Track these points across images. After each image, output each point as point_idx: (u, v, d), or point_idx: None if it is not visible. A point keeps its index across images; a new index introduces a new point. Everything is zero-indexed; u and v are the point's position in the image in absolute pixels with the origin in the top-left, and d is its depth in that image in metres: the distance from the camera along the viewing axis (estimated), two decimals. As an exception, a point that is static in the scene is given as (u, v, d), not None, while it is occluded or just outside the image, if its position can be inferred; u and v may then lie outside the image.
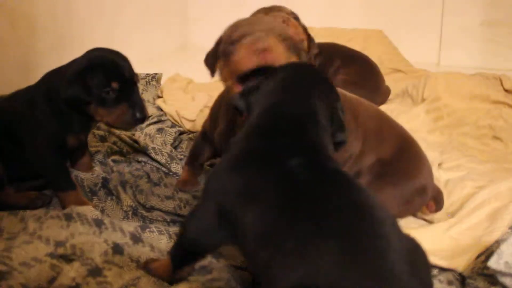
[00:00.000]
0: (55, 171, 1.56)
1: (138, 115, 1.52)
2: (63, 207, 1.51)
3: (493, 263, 1.09)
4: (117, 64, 1.52)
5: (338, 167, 0.99)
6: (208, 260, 1.27)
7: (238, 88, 1.24)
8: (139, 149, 1.93)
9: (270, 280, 0.86)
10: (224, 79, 1.36)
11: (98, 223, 1.37)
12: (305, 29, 1.98)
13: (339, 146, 1.11)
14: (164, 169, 1.84)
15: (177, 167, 1.84)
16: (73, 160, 1.74)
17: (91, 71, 1.49)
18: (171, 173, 1.83)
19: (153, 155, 1.87)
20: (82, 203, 1.49)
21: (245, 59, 1.26)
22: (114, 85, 1.49)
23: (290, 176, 0.93)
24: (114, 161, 1.86)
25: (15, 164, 1.57)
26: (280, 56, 1.27)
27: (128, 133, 2.06)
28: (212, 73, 1.43)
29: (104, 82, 1.49)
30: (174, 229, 1.40)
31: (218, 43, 1.38)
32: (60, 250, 1.24)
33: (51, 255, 1.23)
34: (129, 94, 1.53)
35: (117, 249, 1.26)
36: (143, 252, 1.29)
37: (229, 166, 1.03)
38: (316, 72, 1.21)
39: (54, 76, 1.58)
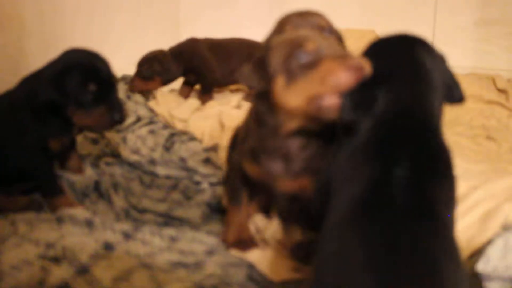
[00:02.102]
0: (41, 176, 1.55)
1: (116, 117, 1.51)
2: (53, 211, 1.50)
3: (481, 267, 1.10)
4: (94, 65, 1.50)
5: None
6: (201, 257, 1.28)
7: (335, 101, 1.02)
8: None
9: None
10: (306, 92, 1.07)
11: (89, 224, 1.37)
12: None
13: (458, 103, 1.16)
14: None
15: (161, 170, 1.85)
16: (63, 162, 1.74)
17: (67, 73, 1.47)
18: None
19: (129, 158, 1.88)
20: (71, 207, 1.49)
21: (343, 75, 1.00)
22: (92, 87, 1.47)
23: (387, 188, 0.90)
24: (106, 163, 1.85)
25: (1, 168, 1.55)
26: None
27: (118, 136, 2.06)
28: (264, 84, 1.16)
29: (81, 84, 1.47)
30: (166, 230, 1.40)
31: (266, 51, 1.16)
32: (51, 252, 1.24)
33: (41, 257, 1.23)
34: (107, 95, 1.51)
35: (108, 246, 1.26)
36: (135, 246, 1.29)
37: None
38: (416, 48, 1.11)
39: (32, 80, 1.56)
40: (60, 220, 1.37)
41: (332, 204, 0.95)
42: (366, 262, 0.81)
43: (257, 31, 3.34)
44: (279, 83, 1.10)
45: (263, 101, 1.18)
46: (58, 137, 1.59)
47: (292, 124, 1.15)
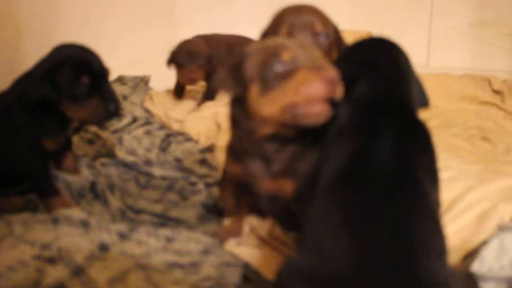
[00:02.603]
0: (37, 177, 1.55)
1: (111, 107, 1.51)
2: (49, 212, 1.50)
3: (476, 268, 1.10)
4: (86, 58, 1.51)
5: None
6: (197, 257, 1.28)
7: (310, 109, 1.04)
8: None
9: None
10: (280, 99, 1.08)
11: (85, 224, 1.37)
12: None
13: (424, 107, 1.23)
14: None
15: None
16: (58, 163, 1.73)
17: (59, 68, 1.48)
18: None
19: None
20: (67, 207, 1.49)
21: (317, 87, 1.03)
22: (85, 79, 1.48)
23: (368, 157, 0.99)
24: (102, 164, 1.85)
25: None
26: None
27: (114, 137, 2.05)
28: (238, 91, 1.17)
29: (74, 77, 1.48)
30: (162, 231, 1.40)
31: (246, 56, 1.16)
32: (46, 253, 1.24)
33: (37, 258, 1.23)
34: (100, 87, 1.52)
35: (104, 247, 1.26)
36: (130, 247, 1.29)
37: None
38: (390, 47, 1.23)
39: (25, 79, 1.56)
40: (55, 221, 1.37)
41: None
42: (342, 221, 0.90)
43: (254, 29, 3.34)
44: (254, 91, 1.10)
45: (238, 106, 1.18)
46: (53, 136, 1.59)
47: (266, 130, 1.15)
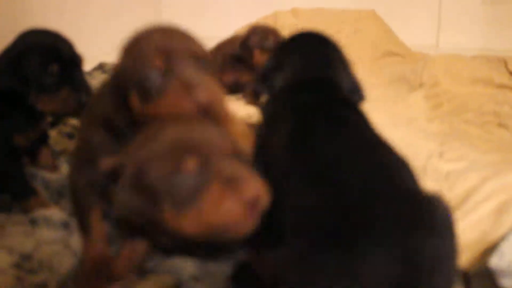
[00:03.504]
0: (9, 177, 1.52)
1: (83, 97, 1.48)
2: (26, 213, 1.48)
3: (494, 263, 1.10)
4: (54, 45, 1.48)
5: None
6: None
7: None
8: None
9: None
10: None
11: (66, 226, 1.36)
12: None
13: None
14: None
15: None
16: (33, 160, 1.72)
17: (24, 57, 1.45)
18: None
19: None
20: (45, 208, 1.47)
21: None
22: (53, 68, 1.46)
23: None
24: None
25: None
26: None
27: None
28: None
29: (41, 66, 1.45)
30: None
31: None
32: (27, 265, 1.23)
33: (16, 266, 1.22)
34: (71, 76, 1.49)
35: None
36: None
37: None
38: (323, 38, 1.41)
39: None
40: (34, 223, 1.36)
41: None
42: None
43: (246, 15, 3.34)
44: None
45: None
46: (22, 132, 1.56)
47: None
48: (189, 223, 0.90)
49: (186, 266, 1.20)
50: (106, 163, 1.02)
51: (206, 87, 1.01)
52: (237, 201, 0.86)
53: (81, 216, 1.24)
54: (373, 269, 0.79)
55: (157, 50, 1.05)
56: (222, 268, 1.21)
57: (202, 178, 0.90)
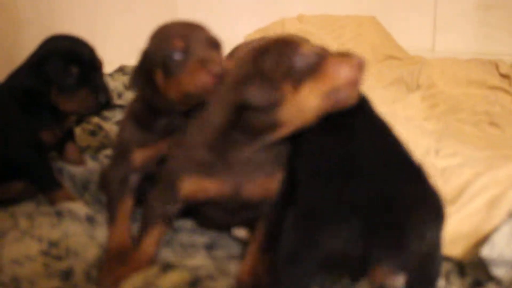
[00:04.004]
0: (37, 171, 1.54)
1: (101, 98, 1.52)
2: (52, 205, 1.50)
3: (486, 252, 1.11)
4: (75, 48, 1.53)
5: None
6: (201, 250, 1.29)
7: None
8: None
9: None
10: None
11: (90, 220, 1.38)
12: None
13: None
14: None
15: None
16: (61, 155, 1.74)
17: (48, 59, 1.50)
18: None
19: None
20: (70, 200, 1.49)
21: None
22: (73, 69, 1.50)
23: None
24: (105, 156, 1.86)
25: None
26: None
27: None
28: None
29: (62, 67, 1.50)
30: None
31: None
32: (54, 251, 1.25)
33: (44, 253, 1.24)
34: (90, 78, 1.53)
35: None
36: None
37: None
38: None
39: (16, 73, 1.58)
40: (59, 215, 1.38)
41: None
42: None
43: (254, 22, 3.35)
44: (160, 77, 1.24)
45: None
46: (49, 128, 1.60)
47: None
48: (309, 94, 1.07)
49: (204, 264, 1.22)
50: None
51: (218, 62, 1.18)
52: (349, 64, 1.08)
53: (110, 208, 1.37)
54: None
55: (178, 34, 1.24)
56: (237, 269, 1.23)
57: (317, 57, 1.08)
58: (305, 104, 1.07)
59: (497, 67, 2.56)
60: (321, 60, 1.08)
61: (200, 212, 1.33)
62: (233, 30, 3.25)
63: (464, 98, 2.41)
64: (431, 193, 0.98)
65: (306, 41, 1.15)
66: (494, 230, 1.17)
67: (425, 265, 0.94)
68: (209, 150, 1.15)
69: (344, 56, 1.09)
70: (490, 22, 3.63)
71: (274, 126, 1.09)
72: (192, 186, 1.18)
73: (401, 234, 0.89)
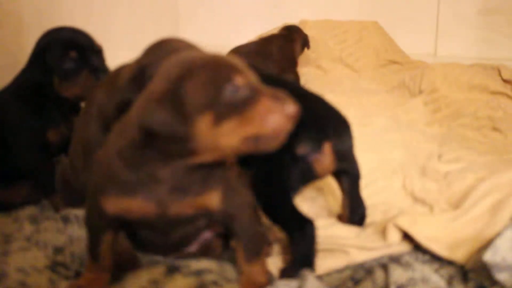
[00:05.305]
0: (41, 174, 1.55)
1: (101, 77, 1.52)
2: (55, 210, 1.50)
3: (488, 257, 1.11)
4: (72, 36, 1.55)
5: None
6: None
7: None
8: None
9: None
10: None
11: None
12: None
13: None
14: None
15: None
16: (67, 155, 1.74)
17: (47, 48, 1.53)
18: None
19: None
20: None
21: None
22: (72, 54, 1.52)
23: None
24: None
25: (3, 166, 1.56)
26: None
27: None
28: None
29: (62, 53, 1.51)
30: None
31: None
32: (60, 258, 1.25)
33: (51, 268, 1.22)
34: (89, 61, 1.54)
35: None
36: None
37: None
38: None
39: (20, 73, 1.61)
40: (65, 220, 1.37)
41: None
42: None
43: (256, 27, 3.36)
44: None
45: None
46: (56, 126, 1.59)
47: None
48: (229, 133, 0.93)
49: (209, 268, 1.21)
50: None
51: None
52: (282, 113, 0.94)
53: (92, 242, 1.15)
54: None
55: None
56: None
57: (251, 92, 0.94)
58: (221, 142, 0.94)
59: (499, 72, 2.57)
60: (252, 97, 0.94)
61: (135, 234, 1.18)
62: (236, 35, 3.26)
63: (467, 103, 2.41)
64: (339, 111, 1.39)
65: (245, 68, 0.98)
66: (497, 234, 1.16)
67: (349, 159, 1.38)
68: (125, 165, 1.01)
69: (279, 99, 0.94)
70: (492, 27, 3.63)
71: (187, 153, 0.97)
72: (114, 205, 1.05)
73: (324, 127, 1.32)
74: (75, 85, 1.53)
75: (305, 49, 3.12)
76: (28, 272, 1.18)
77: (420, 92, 2.55)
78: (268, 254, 1.29)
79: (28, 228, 1.37)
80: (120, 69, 1.31)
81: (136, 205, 1.03)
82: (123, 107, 1.13)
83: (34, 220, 1.41)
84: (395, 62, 3.31)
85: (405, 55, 3.42)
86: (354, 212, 1.42)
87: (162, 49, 1.19)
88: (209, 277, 1.16)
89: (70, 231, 1.33)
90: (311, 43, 3.11)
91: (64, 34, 1.55)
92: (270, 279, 1.15)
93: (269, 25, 3.47)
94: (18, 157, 1.54)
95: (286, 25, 3.14)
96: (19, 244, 1.29)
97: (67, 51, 1.51)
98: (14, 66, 2.23)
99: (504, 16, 3.60)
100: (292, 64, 2.97)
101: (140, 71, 1.18)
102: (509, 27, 3.59)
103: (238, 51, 2.91)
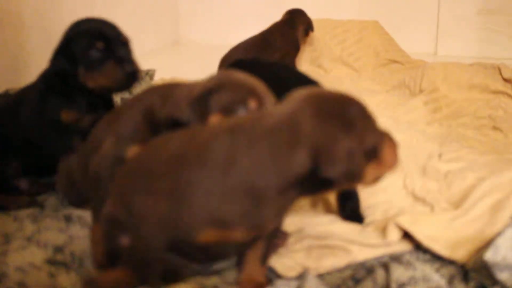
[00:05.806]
0: (57, 153, 1.52)
1: (128, 68, 1.51)
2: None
3: (489, 256, 1.11)
4: (98, 26, 1.55)
5: None
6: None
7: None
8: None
9: None
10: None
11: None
12: None
13: None
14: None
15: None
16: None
17: (73, 39, 1.52)
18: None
19: None
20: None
21: None
22: (98, 44, 1.51)
23: None
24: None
25: (30, 159, 1.59)
26: None
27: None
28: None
29: (88, 44, 1.51)
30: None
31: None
32: (59, 257, 1.24)
33: (49, 262, 1.22)
34: (116, 51, 1.53)
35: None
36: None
37: None
38: None
39: (48, 64, 1.60)
40: (68, 220, 1.37)
41: None
42: None
43: (256, 27, 3.35)
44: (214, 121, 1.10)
45: None
46: (72, 108, 1.58)
47: None
48: (371, 174, 1.00)
49: (211, 276, 1.21)
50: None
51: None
52: (396, 151, 1.03)
53: (96, 204, 1.23)
54: None
55: (251, 94, 1.11)
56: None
57: (380, 137, 1.01)
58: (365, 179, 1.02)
59: (500, 71, 2.56)
60: (382, 142, 1.03)
61: None
62: (236, 35, 3.26)
63: (467, 102, 2.41)
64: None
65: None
66: (498, 234, 1.16)
67: None
68: None
69: (392, 139, 1.04)
70: (492, 27, 3.64)
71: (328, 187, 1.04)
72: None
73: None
74: (101, 76, 1.52)
75: (309, 38, 3.16)
76: (26, 270, 1.19)
77: (421, 91, 2.55)
78: (284, 246, 1.29)
79: (28, 227, 1.36)
80: (176, 85, 1.25)
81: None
82: (176, 123, 1.15)
83: (34, 219, 1.40)
84: (395, 62, 3.31)
85: (406, 54, 3.42)
86: (344, 205, 1.43)
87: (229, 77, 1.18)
88: (209, 282, 1.16)
89: (71, 231, 1.33)
90: (311, 43, 3.12)
91: (92, 25, 1.55)
92: (270, 279, 1.16)
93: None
94: (40, 143, 1.57)
95: (289, 9, 3.15)
96: (19, 243, 1.28)
97: (93, 42, 1.50)
98: (14, 66, 2.23)
99: (504, 16, 3.61)
100: (294, 49, 3.01)
101: (204, 96, 1.15)
102: (510, 27, 3.59)
103: (238, 47, 2.93)
